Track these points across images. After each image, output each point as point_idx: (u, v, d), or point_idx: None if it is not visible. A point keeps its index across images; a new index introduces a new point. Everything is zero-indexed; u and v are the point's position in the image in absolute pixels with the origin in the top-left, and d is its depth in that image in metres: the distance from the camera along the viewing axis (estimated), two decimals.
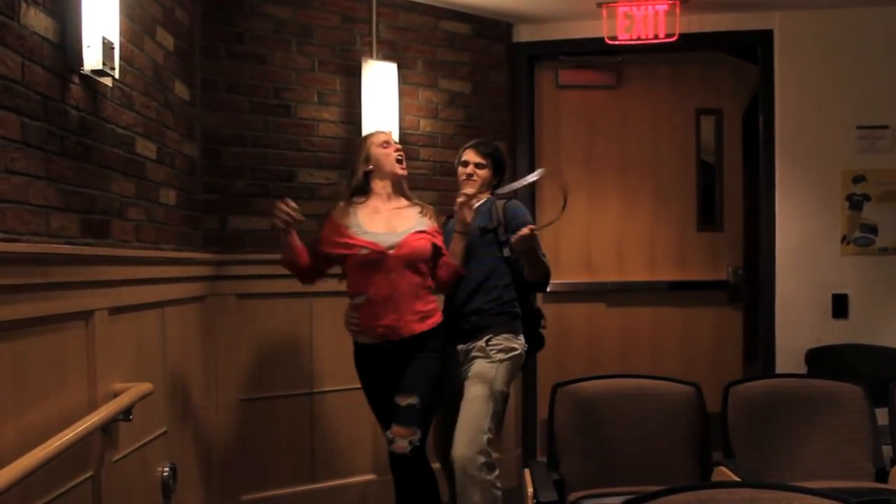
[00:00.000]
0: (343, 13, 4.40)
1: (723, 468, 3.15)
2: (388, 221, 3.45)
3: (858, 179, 4.85)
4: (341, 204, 3.54)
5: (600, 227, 5.24)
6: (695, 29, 4.83)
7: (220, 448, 3.97)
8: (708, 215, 5.26)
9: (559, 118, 5.24)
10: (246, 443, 4.05)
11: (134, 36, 3.04)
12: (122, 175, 2.92)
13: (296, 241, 3.40)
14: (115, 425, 2.70)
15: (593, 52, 5.03)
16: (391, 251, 3.35)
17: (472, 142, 3.80)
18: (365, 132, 4.39)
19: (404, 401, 3.29)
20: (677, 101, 5.23)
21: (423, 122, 4.66)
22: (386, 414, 3.40)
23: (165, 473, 3.20)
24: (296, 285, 3.61)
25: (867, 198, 4.84)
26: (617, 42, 4.69)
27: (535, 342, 3.76)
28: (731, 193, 5.25)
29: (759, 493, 1.77)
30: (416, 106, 4.62)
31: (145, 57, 3.17)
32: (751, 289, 5.26)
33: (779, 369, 4.77)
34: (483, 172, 3.69)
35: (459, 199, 3.48)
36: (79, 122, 2.57)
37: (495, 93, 4.95)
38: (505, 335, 3.50)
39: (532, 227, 3.36)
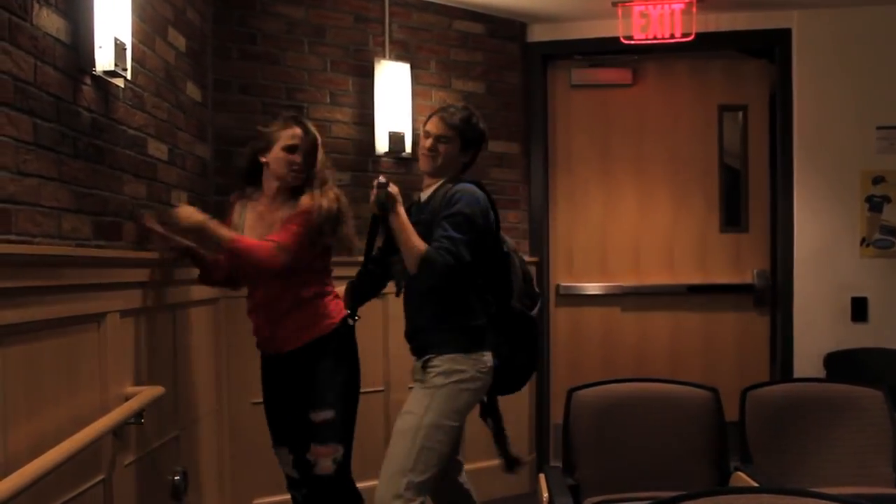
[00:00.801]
0: (356, 13, 4.38)
1: (740, 474, 3.11)
2: (269, 228, 3.08)
3: (878, 180, 4.79)
4: (238, 203, 3.23)
5: (616, 229, 5.19)
6: (711, 28, 4.79)
7: (231, 452, 3.95)
8: (732, 215, 5.15)
9: (574, 118, 5.20)
10: (258, 447, 4.01)
11: (145, 36, 3.02)
12: (134, 177, 2.90)
13: (200, 253, 3.18)
14: (126, 429, 2.67)
15: (608, 52, 4.99)
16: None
17: (438, 109, 3.17)
18: (378, 134, 4.37)
19: (319, 416, 3.07)
20: (698, 98, 5.15)
21: None
22: (280, 430, 3.24)
23: (177, 478, 3.18)
24: None
25: (887, 199, 4.79)
26: (633, 42, 4.65)
27: (522, 359, 3.18)
28: (756, 192, 5.13)
29: (778, 499, 1.73)
30: (429, 107, 4.57)
31: (157, 58, 3.16)
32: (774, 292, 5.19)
33: (797, 374, 4.73)
34: (447, 148, 3.01)
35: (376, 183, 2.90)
36: (90, 124, 2.55)
37: (509, 93, 4.92)
38: (449, 355, 2.93)
39: (383, 180, 2.88)
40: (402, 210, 2.92)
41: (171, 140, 3.33)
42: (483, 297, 3.03)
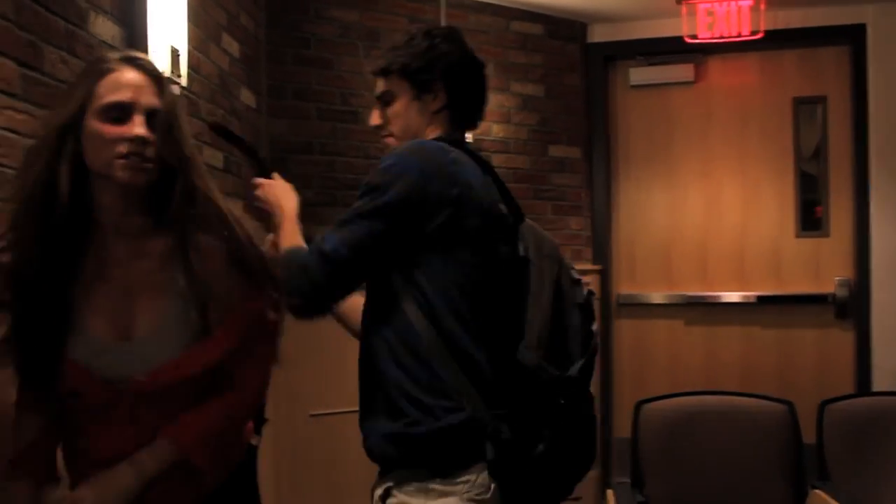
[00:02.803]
0: (410, 15, 4.31)
1: (818, 492, 3.03)
2: (123, 305, 1.59)
3: None
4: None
5: (681, 235, 4.99)
6: (781, 25, 4.59)
7: (287, 466, 3.89)
8: (810, 218, 4.82)
9: (635, 120, 5.04)
10: (315, 461, 3.97)
11: (200, 43, 2.98)
12: None
13: None
14: None
15: (672, 51, 4.82)
16: (133, 385, 1.57)
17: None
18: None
19: None
20: (770, 92, 4.88)
21: (495, 128, 4.53)
22: None
23: None
24: None
25: None
26: (697, 41, 4.51)
27: (546, 451, 1.78)
28: (839, 191, 4.78)
29: None
30: (487, 110, 4.47)
31: (211, 64, 3.12)
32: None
33: (875, 387, 4.51)
34: (395, 107, 1.92)
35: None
36: None
37: (570, 96, 4.81)
38: (419, 484, 1.76)
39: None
40: (284, 204, 1.94)
41: (227, 148, 3.28)
42: (462, 349, 1.75)
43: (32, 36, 2.00)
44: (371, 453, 1.87)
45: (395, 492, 1.79)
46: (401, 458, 1.79)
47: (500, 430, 1.73)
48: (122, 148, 1.51)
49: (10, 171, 1.90)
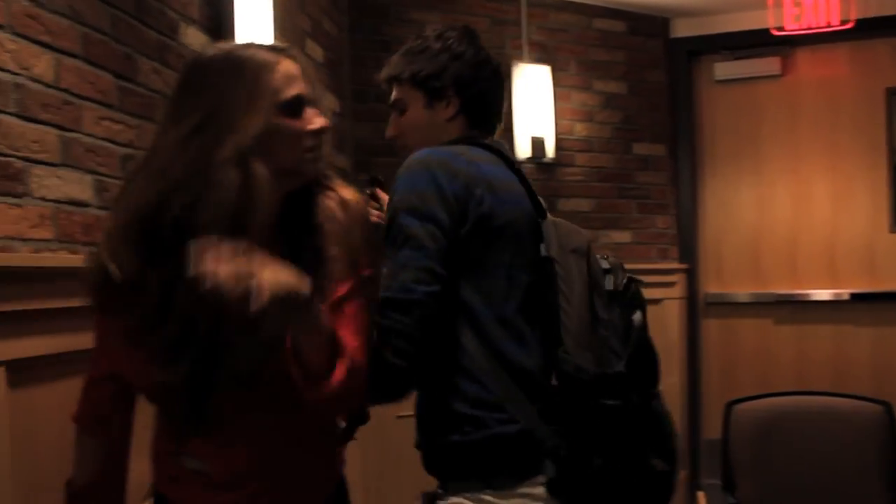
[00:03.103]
0: (491, 16, 4.31)
1: None
2: None
3: None
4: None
5: (769, 232, 4.88)
6: (872, 13, 4.44)
7: (375, 467, 3.92)
8: None
9: (721, 115, 4.95)
10: (403, 462, 3.99)
11: None
12: None
13: None
14: None
15: (758, 44, 4.73)
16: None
17: None
18: (518, 139, 4.23)
19: None
20: (861, 83, 4.73)
21: (578, 126, 4.51)
22: None
23: None
24: None
25: None
26: (784, 33, 4.40)
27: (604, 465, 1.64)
28: None
29: None
30: (570, 109, 4.48)
31: None
32: None
33: None
34: (407, 116, 1.85)
35: None
36: None
37: (653, 93, 4.77)
38: (467, 496, 1.67)
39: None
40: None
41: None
42: (513, 360, 1.67)
43: (127, 48, 2.07)
44: (426, 467, 1.78)
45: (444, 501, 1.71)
46: (454, 470, 1.71)
47: (560, 448, 1.62)
48: (310, 141, 1.45)
49: (108, 179, 1.98)
